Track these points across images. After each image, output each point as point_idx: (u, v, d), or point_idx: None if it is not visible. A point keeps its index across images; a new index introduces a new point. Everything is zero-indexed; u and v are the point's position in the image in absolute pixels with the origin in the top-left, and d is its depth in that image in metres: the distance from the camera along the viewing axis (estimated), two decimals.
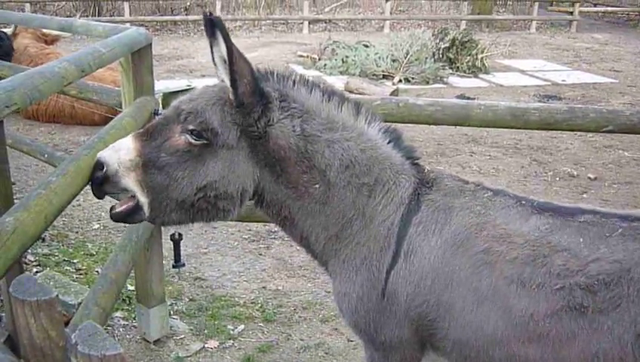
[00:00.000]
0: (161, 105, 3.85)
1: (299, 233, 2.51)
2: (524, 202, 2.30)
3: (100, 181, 2.35)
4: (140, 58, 3.67)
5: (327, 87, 2.48)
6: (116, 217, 2.42)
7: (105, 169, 2.32)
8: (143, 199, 2.32)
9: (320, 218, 2.42)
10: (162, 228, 4.18)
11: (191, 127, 2.27)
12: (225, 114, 2.28)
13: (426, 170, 2.49)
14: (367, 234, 2.39)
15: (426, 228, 2.30)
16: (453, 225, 2.27)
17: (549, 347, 2.07)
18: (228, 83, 2.23)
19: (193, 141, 2.27)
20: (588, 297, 2.02)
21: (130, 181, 2.30)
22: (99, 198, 2.51)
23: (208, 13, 2.20)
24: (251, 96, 2.25)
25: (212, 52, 2.26)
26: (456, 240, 2.24)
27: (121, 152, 2.31)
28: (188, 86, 3.99)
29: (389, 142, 2.46)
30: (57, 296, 1.24)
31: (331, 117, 2.38)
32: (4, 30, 9.65)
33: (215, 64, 2.28)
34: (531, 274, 2.11)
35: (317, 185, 2.36)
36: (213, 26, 2.17)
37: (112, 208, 2.44)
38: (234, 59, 2.17)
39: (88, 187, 2.50)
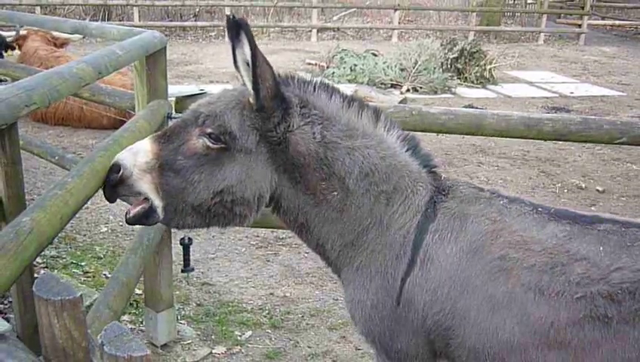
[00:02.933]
0: (174, 109, 3.85)
1: (315, 240, 2.49)
2: (540, 209, 2.27)
3: (115, 183, 2.31)
4: (154, 61, 3.67)
5: (346, 93, 2.46)
6: (131, 221, 2.39)
7: (121, 171, 2.28)
8: (158, 202, 2.30)
9: (337, 225, 2.40)
10: (172, 232, 4.18)
11: (209, 130, 2.24)
12: (244, 118, 2.26)
13: (442, 178, 2.48)
14: (383, 241, 2.37)
15: (442, 236, 2.28)
16: (468, 232, 2.25)
17: (570, 355, 2.05)
18: (249, 86, 2.21)
19: (211, 144, 2.24)
20: (612, 307, 2.00)
21: (145, 184, 2.27)
22: (110, 202, 2.48)
23: (232, 16, 2.18)
24: (272, 100, 2.24)
25: (234, 54, 2.22)
26: (472, 247, 2.22)
27: (138, 154, 2.28)
28: (200, 90, 3.98)
29: (407, 150, 2.44)
30: (81, 295, 1.23)
31: (351, 124, 2.36)
32: (6, 33, 9.72)
33: (237, 67, 2.25)
34: (550, 282, 2.08)
35: (335, 193, 2.34)
36: (238, 28, 2.14)
37: (126, 213, 2.41)
38: (258, 62, 2.14)
39: (98, 190, 2.49)
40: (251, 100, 2.24)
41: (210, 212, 2.31)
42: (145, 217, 2.36)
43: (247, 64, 2.17)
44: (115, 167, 2.31)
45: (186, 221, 2.35)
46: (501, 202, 2.32)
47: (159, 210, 2.32)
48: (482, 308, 2.16)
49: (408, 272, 2.30)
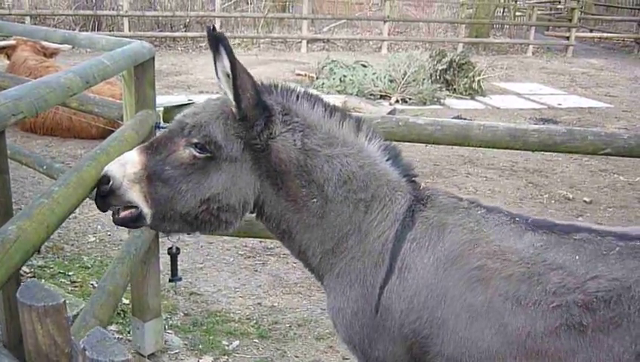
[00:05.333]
0: (162, 119, 3.86)
1: (297, 246, 2.52)
2: (517, 219, 2.30)
3: (105, 194, 2.36)
4: (143, 71, 3.69)
5: (329, 102, 2.50)
6: (119, 222, 2.45)
7: (111, 182, 2.33)
8: (147, 210, 2.35)
9: (317, 232, 2.43)
10: (160, 241, 4.18)
11: (195, 140, 2.29)
12: (228, 127, 2.31)
13: (421, 187, 2.50)
14: (362, 249, 2.39)
15: (419, 245, 2.31)
16: (446, 242, 2.28)
17: None
18: (231, 97, 2.26)
19: (197, 154, 2.30)
20: (587, 315, 2.02)
21: (134, 194, 2.32)
22: (102, 211, 2.53)
23: (212, 28, 2.23)
24: (254, 109, 2.28)
25: (215, 66, 2.28)
26: (449, 256, 2.24)
27: (126, 166, 2.34)
28: (189, 101, 4.00)
29: (387, 160, 2.47)
30: (65, 301, 1.24)
31: (332, 132, 2.40)
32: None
33: (218, 78, 2.31)
34: (527, 291, 2.10)
35: (315, 199, 2.38)
36: (217, 41, 2.19)
37: (113, 213, 2.46)
38: (237, 74, 2.20)
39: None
40: (234, 110, 2.29)
41: (198, 219, 2.36)
42: (133, 221, 2.41)
43: (228, 75, 2.22)
44: (105, 179, 2.36)
45: (173, 227, 2.41)
46: (479, 212, 2.34)
47: (148, 217, 2.37)
48: (460, 317, 2.18)
49: (386, 280, 2.32)
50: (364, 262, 2.38)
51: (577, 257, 2.11)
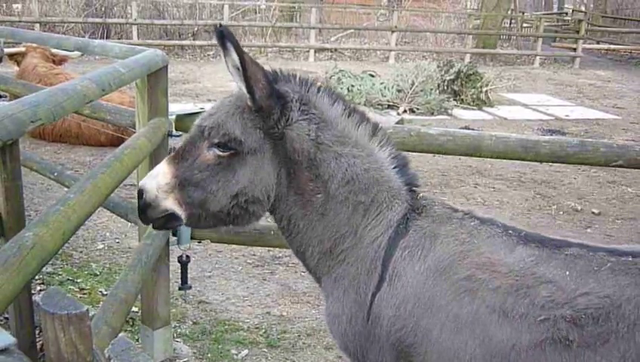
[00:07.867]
0: (174, 127, 3.87)
1: (297, 244, 2.54)
2: (510, 232, 2.29)
3: (143, 207, 2.43)
4: (156, 79, 3.71)
5: (350, 103, 2.51)
6: (155, 225, 2.51)
7: (144, 195, 2.40)
8: (182, 213, 2.41)
9: (317, 229, 2.45)
10: (170, 249, 4.19)
11: (216, 140, 2.33)
12: (245, 120, 2.34)
13: (419, 197, 2.51)
14: (357, 254, 2.41)
15: (411, 253, 2.31)
16: (437, 251, 2.28)
17: None
18: (244, 89, 2.29)
19: (221, 153, 2.33)
20: (574, 331, 2.00)
21: (169, 202, 2.39)
22: (146, 224, 2.61)
23: (218, 25, 2.26)
24: (268, 98, 2.31)
25: (226, 62, 2.32)
26: (439, 266, 2.24)
27: (158, 177, 2.40)
28: (201, 109, 4.00)
29: (394, 167, 2.49)
30: (87, 310, 1.24)
31: (346, 132, 2.41)
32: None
33: (230, 73, 2.33)
34: (514, 304, 2.09)
35: (319, 195, 2.40)
36: (223, 37, 2.23)
37: None
38: (246, 66, 2.22)
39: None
40: (249, 103, 2.32)
41: (230, 215, 2.41)
42: (169, 221, 2.48)
43: (238, 68, 2.25)
44: (140, 193, 2.43)
45: (207, 223, 2.47)
46: (472, 223, 2.34)
47: (183, 217, 2.43)
48: (445, 327, 2.17)
49: (378, 287, 2.33)
50: (357, 267, 2.39)
51: (567, 272, 2.10)
